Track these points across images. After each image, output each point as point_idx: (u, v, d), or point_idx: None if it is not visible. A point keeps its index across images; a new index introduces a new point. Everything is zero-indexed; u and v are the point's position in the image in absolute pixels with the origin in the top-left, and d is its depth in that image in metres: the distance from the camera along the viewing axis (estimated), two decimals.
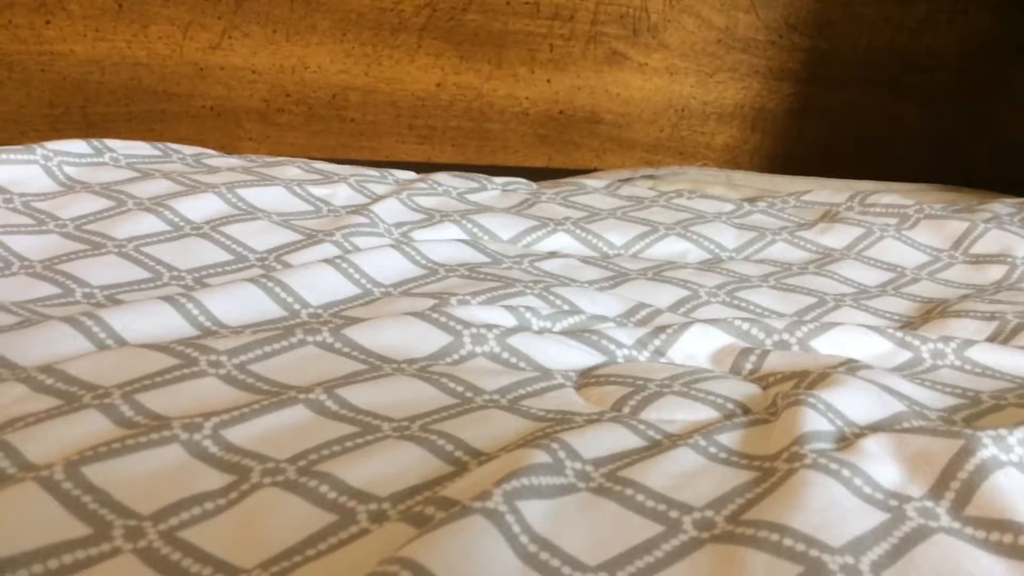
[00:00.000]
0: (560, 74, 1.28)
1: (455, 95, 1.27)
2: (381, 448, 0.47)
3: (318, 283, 0.65)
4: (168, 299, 0.59)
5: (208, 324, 0.59)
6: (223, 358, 0.53)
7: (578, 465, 0.46)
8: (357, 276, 0.67)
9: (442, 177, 0.92)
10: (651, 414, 0.53)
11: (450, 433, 0.49)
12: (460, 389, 0.54)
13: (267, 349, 0.55)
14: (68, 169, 0.80)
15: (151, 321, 0.57)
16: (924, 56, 1.33)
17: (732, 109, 1.33)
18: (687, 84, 1.31)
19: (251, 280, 0.63)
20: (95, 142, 0.84)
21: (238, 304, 0.61)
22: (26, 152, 0.79)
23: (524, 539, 0.40)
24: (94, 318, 0.55)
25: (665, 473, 0.46)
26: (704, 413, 0.54)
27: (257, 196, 0.79)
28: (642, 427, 0.51)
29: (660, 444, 0.50)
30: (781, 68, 1.32)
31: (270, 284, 0.63)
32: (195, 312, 0.59)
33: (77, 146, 0.83)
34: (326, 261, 0.67)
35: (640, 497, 0.44)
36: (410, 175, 0.93)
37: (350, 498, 0.43)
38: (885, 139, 1.36)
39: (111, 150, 0.85)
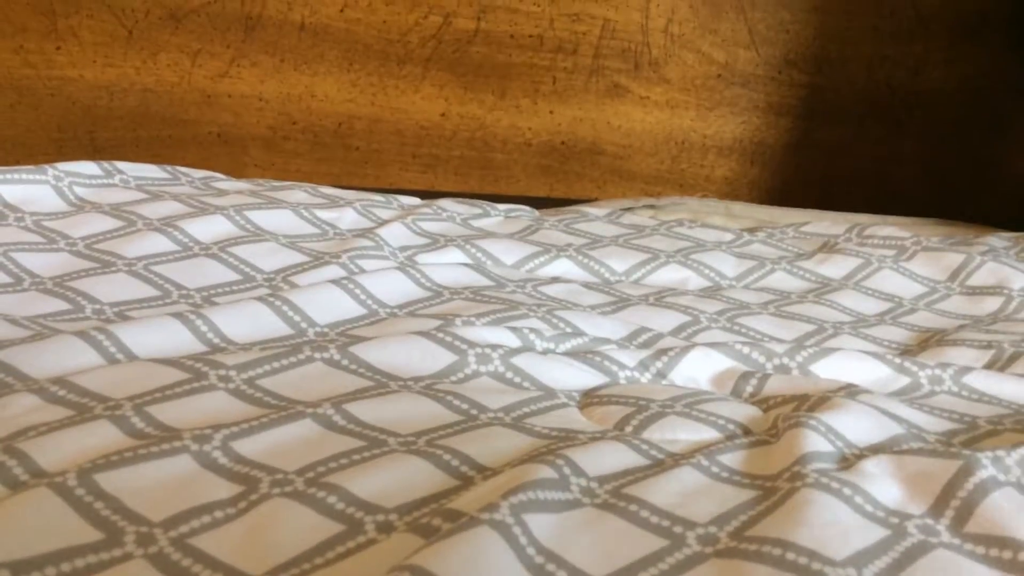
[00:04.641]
0: (562, 106, 1.30)
1: (459, 125, 1.29)
2: (388, 462, 0.47)
3: (325, 303, 0.66)
4: (178, 315, 0.60)
5: (217, 340, 0.59)
6: (232, 372, 0.54)
7: (583, 481, 0.46)
8: (363, 297, 0.68)
9: (446, 203, 0.94)
10: (654, 434, 0.54)
11: (455, 448, 0.49)
12: (465, 407, 0.54)
13: (275, 365, 0.55)
14: (78, 189, 0.81)
15: (161, 336, 0.58)
16: (921, 93, 1.35)
17: (731, 143, 1.34)
18: (687, 118, 1.32)
19: (259, 299, 0.64)
20: (105, 164, 0.85)
21: (246, 321, 0.61)
22: (37, 172, 0.80)
23: (531, 551, 0.41)
24: (105, 332, 0.56)
25: (669, 491, 0.47)
26: (706, 433, 0.54)
27: (265, 219, 0.80)
28: (644, 447, 0.52)
29: (663, 463, 0.50)
30: (780, 103, 1.33)
31: (278, 303, 0.64)
32: (204, 328, 0.59)
33: (87, 167, 0.84)
34: (333, 282, 0.68)
35: (644, 513, 0.45)
36: (415, 201, 0.94)
37: (358, 509, 0.44)
38: (882, 175, 1.38)
39: (120, 172, 0.86)
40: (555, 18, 1.27)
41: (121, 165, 0.86)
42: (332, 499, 0.44)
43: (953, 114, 1.36)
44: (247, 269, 0.71)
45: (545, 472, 0.45)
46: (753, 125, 1.34)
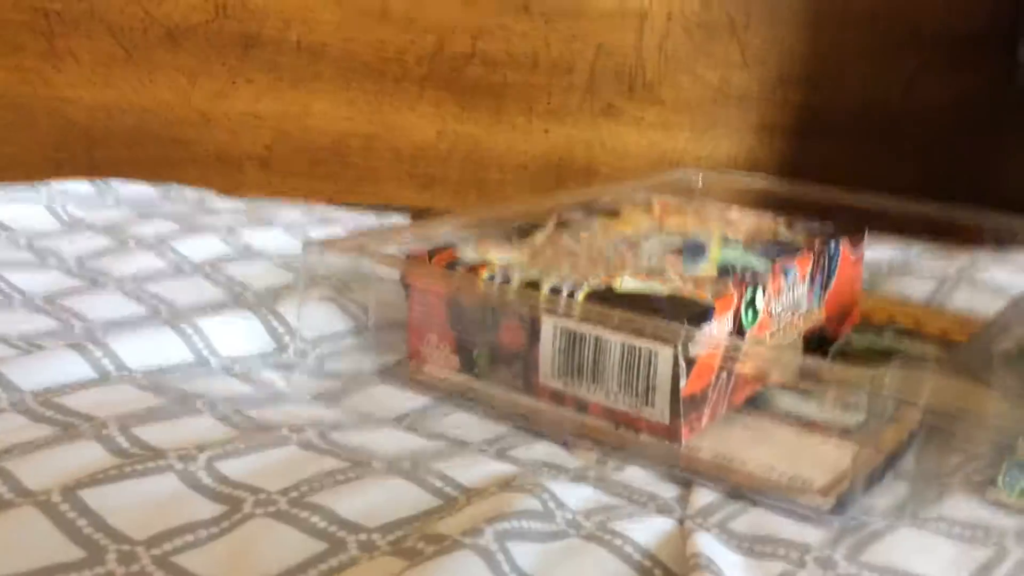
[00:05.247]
0: (558, 126, 1.30)
1: (454, 144, 1.29)
2: (371, 482, 0.48)
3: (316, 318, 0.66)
4: (169, 324, 0.60)
5: (207, 354, 0.60)
6: (219, 403, 0.54)
7: (568, 515, 0.46)
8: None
9: None
10: (636, 472, 0.53)
11: (439, 471, 0.49)
12: (450, 436, 0.55)
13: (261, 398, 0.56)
14: (71, 208, 0.81)
15: (153, 345, 0.59)
16: (915, 110, 1.35)
17: (726, 163, 1.35)
18: (681, 138, 1.33)
19: (252, 312, 0.64)
20: (99, 182, 0.86)
21: (239, 334, 0.62)
22: (30, 191, 0.81)
23: None
24: (96, 343, 0.57)
25: (651, 531, 0.46)
26: None
27: (257, 238, 0.80)
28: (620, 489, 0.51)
29: (645, 506, 0.50)
30: (774, 123, 1.34)
31: (269, 316, 0.64)
32: (196, 341, 0.60)
33: (80, 186, 0.85)
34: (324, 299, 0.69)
35: (628, 549, 0.45)
36: (406, 221, 0.95)
37: (340, 528, 0.44)
38: (877, 192, 1.38)
39: (114, 190, 0.86)
40: (550, 39, 1.27)
41: (115, 183, 0.87)
42: (315, 518, 0.44)
43: (948, 130, 1.37)
44: (238, 289, 0.72)
45: (530, 503, 0.46)
46: (747, 145, 1.35)
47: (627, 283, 0.57)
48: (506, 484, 0.48)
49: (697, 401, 0.54)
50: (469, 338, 0.59)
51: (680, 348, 0.51)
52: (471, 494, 0.47)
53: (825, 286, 0.67)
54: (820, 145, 1.35)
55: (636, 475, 0.53)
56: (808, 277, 0.64)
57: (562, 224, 0.69)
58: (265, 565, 0.41)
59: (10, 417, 0.50)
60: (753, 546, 0.46)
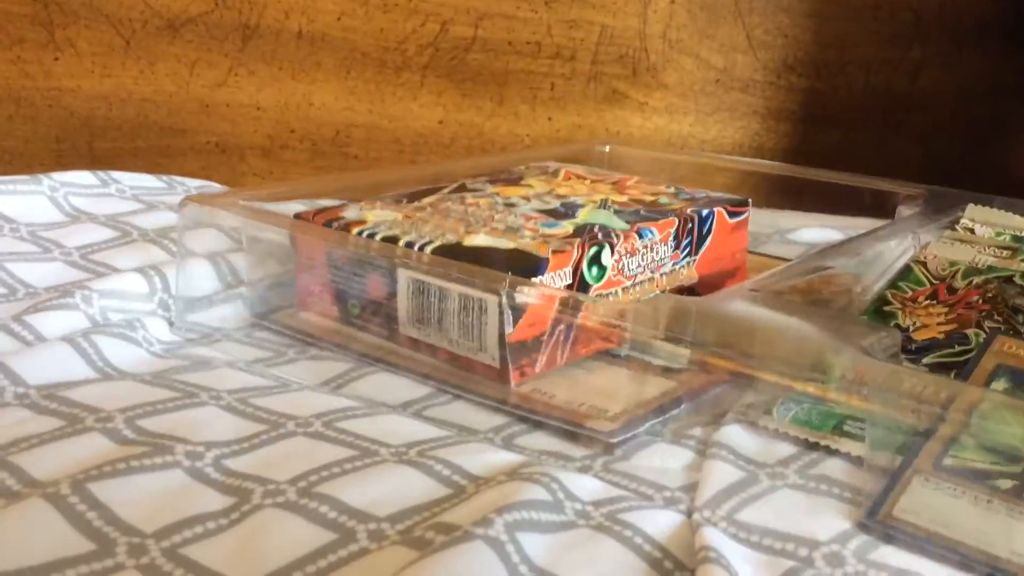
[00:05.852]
0: (561, 112, 1.30)
1: (457, 132, 1.29)
2: (380, 471, 0.47)
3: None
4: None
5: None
6: (223, 393, 0.54)
7: (578, 505, 0.46)
8: None
9: None
10: (642, 461, 0.53)
11: (447, 460, 0.49)
12: (456, 425, 0.55)
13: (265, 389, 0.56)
14: (74, 200, 0.81)
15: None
16: (920, 97, 1.35)
17: (730, 148, 1.34)
18: (686, 123, 1.32)
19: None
20: (101, 173, 0.86)
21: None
22: (32, 182, 0.80)
23: (523, 569, 0.41)
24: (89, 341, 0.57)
25: (660, 523, 0.46)
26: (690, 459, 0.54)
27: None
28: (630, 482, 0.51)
29: (651, 498, 0.49)
30: (779, 108, 1.33)
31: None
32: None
33: (83, 177, 0.84)
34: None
35: (638, 540, 0.44)
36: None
37: (349, 518, 0.43)
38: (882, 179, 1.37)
39: (117, 182, 0.86)
40: (552, 24, 1.27)
41: (117, 175, 0.86)
42: (324, 508, 0.44)
43: (953, 118, 1.36)
44: (233, 280, 0.71)
45: (539, 493, 0.45)
46: (752, 130, 1.34)
47: (477, 239, 0.60)
48: (513, 473, 0.47)
49: (528, 348, 0.57)
50: (345, 290, 0.63)
51: (504, 297, 0.55)
52: (479, 483, 0.47)
53: (695, 249, 0.69)
54: (824, 131, 1.35)
55: (642, 464, 0.52)
56: (673, 239, 0.66)
57: (463, 189, 0.72)
58: (275, 556, 0.41)
59: (15, 410, 0.50)
60: (762, 540, 0.45)
